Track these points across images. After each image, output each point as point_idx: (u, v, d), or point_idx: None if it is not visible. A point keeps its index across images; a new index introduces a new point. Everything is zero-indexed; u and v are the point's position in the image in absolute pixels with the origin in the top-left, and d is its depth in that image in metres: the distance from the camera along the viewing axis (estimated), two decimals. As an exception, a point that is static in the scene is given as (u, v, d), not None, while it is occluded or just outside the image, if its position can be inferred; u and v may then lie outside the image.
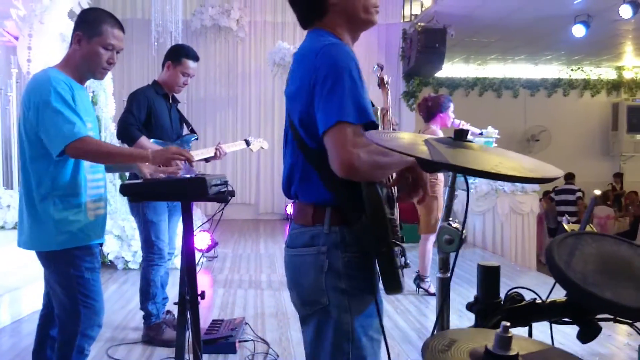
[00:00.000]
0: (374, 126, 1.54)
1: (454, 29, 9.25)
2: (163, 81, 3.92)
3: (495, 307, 1.21)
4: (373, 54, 10.87)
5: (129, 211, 4.50)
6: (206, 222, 3.13)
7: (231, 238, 8.58)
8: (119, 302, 4.91)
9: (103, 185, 2.52)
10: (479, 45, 11.13)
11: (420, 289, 5.26)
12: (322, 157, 1.54)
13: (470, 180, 8.56)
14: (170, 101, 3.97)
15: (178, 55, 3.89)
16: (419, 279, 5.29)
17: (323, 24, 1.68)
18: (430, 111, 5.18)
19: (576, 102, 13.45)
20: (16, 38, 5.97)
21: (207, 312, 4.62)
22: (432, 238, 5.10)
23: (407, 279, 5.60)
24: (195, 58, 3.95)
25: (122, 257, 6.10)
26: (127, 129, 3.65)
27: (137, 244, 5.97)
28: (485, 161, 1.03)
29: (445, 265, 1.20)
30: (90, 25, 2.40)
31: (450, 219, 1.17)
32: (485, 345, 0.91)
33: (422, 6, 10.06)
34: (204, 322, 4.07)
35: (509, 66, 13.13)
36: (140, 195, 2.40)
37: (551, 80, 13.30)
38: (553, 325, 1.32)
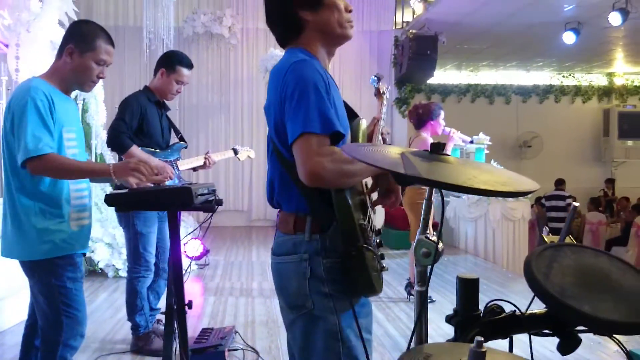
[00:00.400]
0: (340, 136, 1.61)
1: (446, 35, 9.29)
2: (155, 88, 3.87)
3: (475, 319, 1.20)
4: (365, 61, 10.92)
5: (118, 220, 4.45)
6: (193, 230, 3.11)
7: (223, 245, 8.56)
8: (108, 311, 4.88)
9: (87, 195, 2.51)
10: (470, 52, 11.17)
11: (411, 296, 5.26)
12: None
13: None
14: (161, 108, 3.94)
15: (172, 62, 3.84)
16: (410, 286, 5.29)
17: (299, 42, 1.77)
18: (420, 118, 5.20)
19: (568, 108, 13.52)
20: (6, 45, 5.94)
21: (197, 321, 4.60)
22: None
23: (399, 285, 5.61)
24: (190, 65, 3.91)
25: (113, 265, 6.07)
26: (118, 137, 3.60)
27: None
28: (459, 175, 1.03)
29: (423, 278, 1.20)
30: (83, 40, 2.42)
31: (428, 231, 1.16)
32: (459, 361, 0.91)
33: (413, 13, 10.10)
34: (194, 331, 4.06)
35: (500, 72, 13.18)
36: (125, 205, 2.39)
37: (543, 86, 13.37)
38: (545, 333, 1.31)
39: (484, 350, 0.88)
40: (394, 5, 11.00)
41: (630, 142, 13.11)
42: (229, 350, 3.76)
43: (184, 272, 2.69)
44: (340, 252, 1.63)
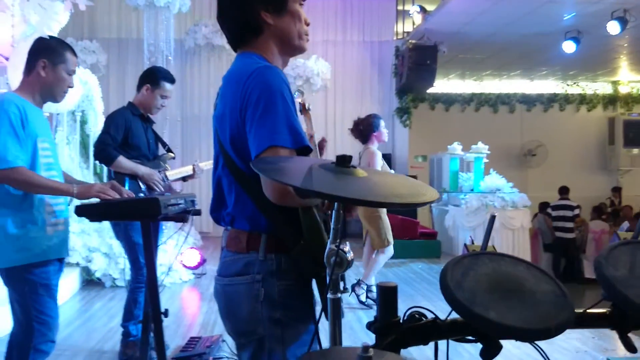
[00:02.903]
0: (309, 151, 1.51)
1: (446, 45, 9.34)
2: (140, 103, 3.98)
3: (394, 326, 1.23)
4: (366, 71, 10.99)
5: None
6: (169, 238, 3.17)
7: (223, 255, 8.60)
8: (101, 320, 4.94)
9: (63, 202, 2.58)
10: (472, 61, 11.20)
11: (357, 295, 5.33)
12: (255, 181, 1.50)
13: (461, 195, 8.57)
14: (146, 122, 4.03)
15: (156, 78, 3.95)
16: (357, 284, 5.36)
17: (254, 46, 1.64)
18: (364, 133, 5.39)
19: (573, 116, 13.47)
20: (7, 58, 6.05)
21: (188, 330, 4.65)
22: (387, 250, 5.37)
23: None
24: (173, 81, 4.02)
25: (110, 275, 6.14)
26: (104, 150, 3.72)
27: (124, 261, 6.01)
28: (356, 188, 1.06)
29: (335, 286, 1.23)
30: (54, 53, 2.54)
31: (338, 240, 1.20)
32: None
33: (413, 24, 10.16)
34: (184, 340, 4.11)
35: (504, 81, 13.18)
36: (95, 215, 2.44)
37: (547, 95, 13.33)
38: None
39: (369, 355, 0.92)
40: (395, 16, 11.07)
41: (635, 150, 13.03)
42: (213, 359, 3.79)
43: (160, 280, 2.74)
44: (302, 272, 1.52)
